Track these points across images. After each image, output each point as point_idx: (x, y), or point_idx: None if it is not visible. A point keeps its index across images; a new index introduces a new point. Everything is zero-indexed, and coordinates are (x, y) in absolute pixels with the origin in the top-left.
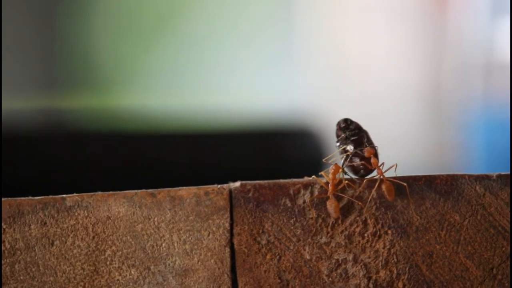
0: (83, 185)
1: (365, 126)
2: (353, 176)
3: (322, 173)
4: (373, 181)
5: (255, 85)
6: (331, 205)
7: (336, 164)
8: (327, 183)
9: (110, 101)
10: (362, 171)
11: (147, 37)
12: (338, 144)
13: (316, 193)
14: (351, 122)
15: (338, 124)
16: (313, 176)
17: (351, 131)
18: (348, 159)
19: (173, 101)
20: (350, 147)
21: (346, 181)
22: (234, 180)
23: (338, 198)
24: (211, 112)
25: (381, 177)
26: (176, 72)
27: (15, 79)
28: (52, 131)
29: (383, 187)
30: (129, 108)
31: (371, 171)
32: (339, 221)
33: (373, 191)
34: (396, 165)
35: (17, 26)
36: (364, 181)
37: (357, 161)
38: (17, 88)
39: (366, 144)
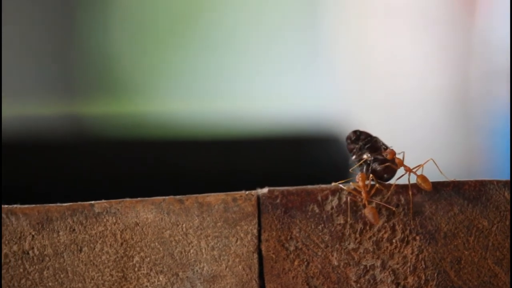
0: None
1: (391, 131)
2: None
3: (352, 184)
4: (401, 186)
5: (280, 90)
6: (369, 213)
7: (362, 172)
8: (355, 189)
9: (130, 107)
10: (385, 175)
11: (167, 42)
12: (354, 157)
13: (344, 199)
14: (360, 132)
15: (348, 138)
16: (337, 182)
17: (363, 140)
18: (370, 166)
19: (195, 107)
20: (367, 155)
21: (378, 185)
22: (262, 187)
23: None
24: (236, 118)
25: (411, 173)
26: (198, 77)
27: (34, 85)
28: (72, 138)
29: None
30: (151, 114)
31: (394, 173)
32: (367, 227)
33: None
34: (428, 160)
35: (35, 32)
36: (392, 186)
37: (378, 167)
38: (36, 95)
39: (383, 147)
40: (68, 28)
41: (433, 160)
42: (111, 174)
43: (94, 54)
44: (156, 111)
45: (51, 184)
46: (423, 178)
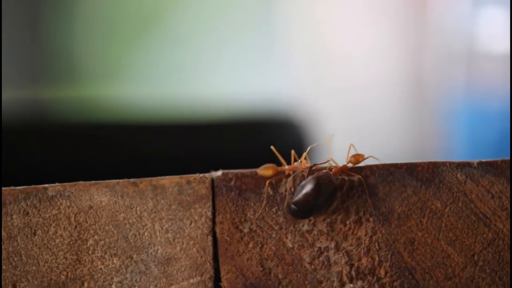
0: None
1: (348, 117)
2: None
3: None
4: (357, 169)
5: (238, 78)
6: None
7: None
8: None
9: (91, 92)
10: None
11: (131, 33)
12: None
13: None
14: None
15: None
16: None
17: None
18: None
19: (155, 93)
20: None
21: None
22: (217, 170)
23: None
24: (193, 103)
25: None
26: (160, 67)
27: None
28: (34, 122)
29: None
30: (110, 98)
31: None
32: None
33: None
34: (351, 146)
35: (2, 19)
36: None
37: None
38: (2, 80)
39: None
40: (32, 17)
41: (352, 145)
42: (70, 157)
43: (57, 41)
44: (115, 96)
45: (11, 168)
46: (354, 157)
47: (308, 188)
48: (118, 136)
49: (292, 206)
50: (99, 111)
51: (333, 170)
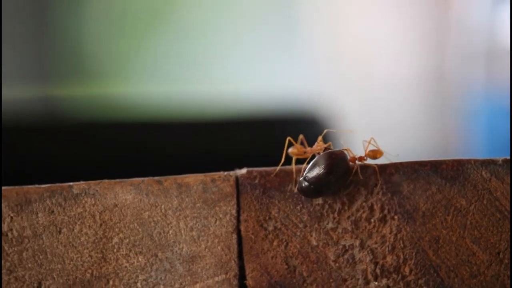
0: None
1: (369, 114)
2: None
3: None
4: (380, 166)
5: (258, 73)
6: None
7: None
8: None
9: (104, 90)
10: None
11: (142, 26)
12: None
13: None
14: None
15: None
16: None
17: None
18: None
19: (173, 90)
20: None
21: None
22: (240, 168)
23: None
24: (214, 100)
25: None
26: (174, 61)
27: (9, 69)
28: (46, 120)
29: None
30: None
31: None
32: (346, 207)
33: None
34: (371, 139)
35: (10, 18)
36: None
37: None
38: (11, 79)
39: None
40: (42, 14)
41: (373, 139)
42: (86, 156)
43: (68, 38)
44: (132, 94)
45: (26, 166)
46: (373, 152)
47: (321, 163)
48: (138, 135)
49: (303, 182)
50: (110, 109)
51: (349, 157)
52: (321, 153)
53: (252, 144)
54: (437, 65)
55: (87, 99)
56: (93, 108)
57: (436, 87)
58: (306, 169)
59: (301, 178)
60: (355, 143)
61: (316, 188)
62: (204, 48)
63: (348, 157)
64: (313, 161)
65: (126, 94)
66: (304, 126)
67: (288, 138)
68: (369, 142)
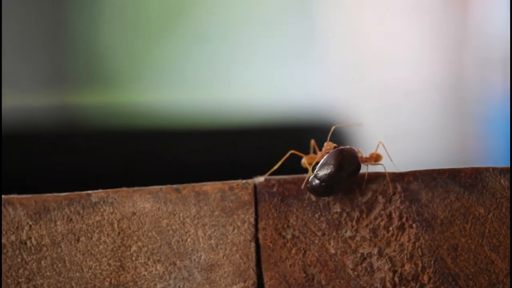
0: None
1: (387, 120)
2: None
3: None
4: (398, 174)
5: (273, 79)
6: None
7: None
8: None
9: (122, 97)
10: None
11: (159, 32)
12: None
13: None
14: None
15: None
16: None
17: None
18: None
19: (191, 97)
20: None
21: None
22: (257, 176)
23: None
24: (230, 108)
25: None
26: (190, 67)
27: (27, 77)
28: (64, 129)
29: None
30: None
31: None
32: (364, 215)
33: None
34: (379, 144)
35: (27, 25)
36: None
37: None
38: (28, 86)
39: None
40: (59, 21)
41: (382, 144)
42: (103, 164)
43: (85, 45)
44: (149, 101)
45: (44, 175)
46: (377, 155)
47: (331, 161)
48: (154, 143)
49: (313, 180)
50: (127, 116)
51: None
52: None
53: (269, 151)
54: (455, 71)
55: (104, 107)
56: (110, 115)
57: (454, 94)
58: (317, 168)
59: (311, 177)
60: (371, 148)
61: (327, 185)
62: (221, 55)
63: (356, 152)
64: (323, 159)
65: (143, 102)
66: (321, 133)
67: (291, 151)
68: (377, 146)
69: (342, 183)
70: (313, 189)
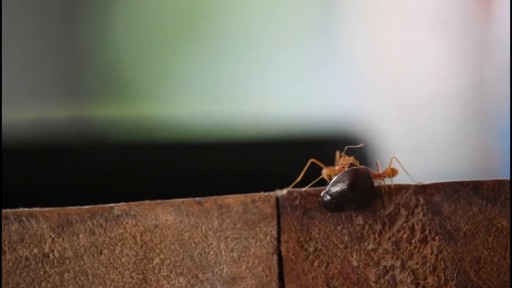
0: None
1: (406, 132)
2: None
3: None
4: (420, 187)
5: (294, 91)
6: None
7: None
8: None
9: (139, 110)
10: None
11: (176, 44)
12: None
13: None
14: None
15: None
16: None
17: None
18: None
19: (210, 110)
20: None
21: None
22: (279, 189)
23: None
24: (250, 120)
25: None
26: (208, 79)
27: (42, 89)
28: (80, 141)
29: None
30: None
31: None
32: (387, 228)
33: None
34: (392, 159)
35: (43, 37)
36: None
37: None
38: (44, 98)
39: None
40: (75, 32)
41: (396, 158)
42: (120, 177)
43: (101, 57)
44: (168, 113)
45: (59, 188)
46: (392, 170)
47: (345, 179)
48: (173, 155)
49: (325, 196)
50: (146, 129)
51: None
52: (346, 169)
53: (289, 164)
54: (477, 84)
55: (121, 120)
56: (128, 128)
57: (476, 106)
58: (330, 183)
59: (324, 192)
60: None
61: (338, 203)
62: (241, 67)
63: (370, 172)
64: (337, 176)
65: (162, 114)
66: (343, 146)
67: (311, 160)
68: (391, 161)
69: (353, 203)
70: (324, 204)
